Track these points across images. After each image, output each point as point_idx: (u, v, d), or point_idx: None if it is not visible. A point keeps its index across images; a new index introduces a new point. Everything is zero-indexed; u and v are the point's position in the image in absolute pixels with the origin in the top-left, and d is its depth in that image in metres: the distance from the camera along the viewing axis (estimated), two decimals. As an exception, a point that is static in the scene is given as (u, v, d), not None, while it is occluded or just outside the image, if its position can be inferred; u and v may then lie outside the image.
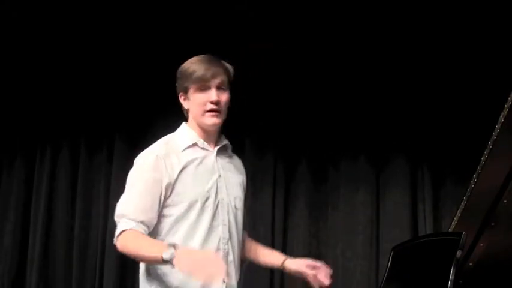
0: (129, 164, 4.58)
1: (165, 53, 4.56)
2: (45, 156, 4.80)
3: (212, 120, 2.43)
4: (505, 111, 2.37)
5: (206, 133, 2.47)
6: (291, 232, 4.47)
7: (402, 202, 4.33)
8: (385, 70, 4.39)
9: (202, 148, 2.45)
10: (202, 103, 2.41)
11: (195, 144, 2.44)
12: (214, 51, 4.40)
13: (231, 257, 2.43)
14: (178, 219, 2.36)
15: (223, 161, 2.50)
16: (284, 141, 4.52)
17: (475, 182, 2.58)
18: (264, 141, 4.49)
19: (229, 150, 2.59)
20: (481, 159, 2.52)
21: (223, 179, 2.45)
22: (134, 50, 4.64)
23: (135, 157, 4.66)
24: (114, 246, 2.33)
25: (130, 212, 2.32)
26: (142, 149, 4.66)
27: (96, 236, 4.65)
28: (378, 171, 4.41)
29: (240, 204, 2.51)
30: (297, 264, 2.59)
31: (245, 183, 2.63)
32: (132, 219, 2.30)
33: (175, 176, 2.35)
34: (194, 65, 2.43)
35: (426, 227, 4.24)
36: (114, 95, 4.73)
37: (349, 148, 4.43)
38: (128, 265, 4.61)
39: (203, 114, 2.42)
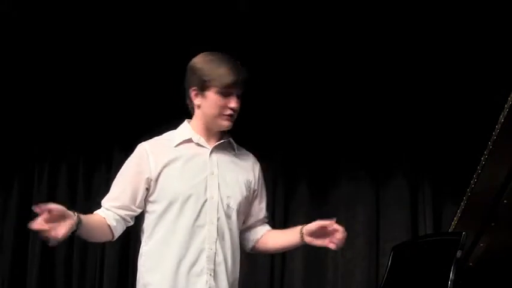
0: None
1: (165, 65, 4.56)
2: (45, 157, 4.80)
3: (227, 123, 2.41)
4: (505, 111, 2.37)
5: (209, 131, 2.43)
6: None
7: (402, 202, 4.33)
8: (383, 85, 4.38)
9: (197, 144, 2.41)
10: (222, 106, 2.37)
11: (189, 140, 2.41)
12: (215, 51, 4.45)
13: (220, 258, 2.36)
14: (161, 216, 2.36)
15: (223, 159, 2.44)
16: (283, 156, 4.51)
17: (475, 182, 2.58)
18: (264, 136, 4.48)
19: (234, 147, 2.53)
20: (481, 159, 2.53)
21: (216, 177, 2.39)
22: (133, 61, 4.62)
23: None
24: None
25: (104, 200, 2.44)
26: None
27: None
28: (378, 170, 4.41)
29: (234, 203, 2.43)
30: (315, 224, 2.45)
31: (253, 179, 2.53)
32: (112, 202, 2.42)
33: (158, 171, 2.34)
34: (223, 67, 2.36)
35: (426, 227, 4.24)
36: (114, 101, 4.71)
37: (350, 147, 4.43)
38: (128, 265, 4.61)
39: (219, 117, 2.39)
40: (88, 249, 4.66)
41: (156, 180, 2.34)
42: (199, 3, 4.32)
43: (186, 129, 2.45)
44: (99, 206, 4.55)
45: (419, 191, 4.34)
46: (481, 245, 2.70)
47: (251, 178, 2.53)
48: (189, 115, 4.62)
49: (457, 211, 2.74)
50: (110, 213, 2.40)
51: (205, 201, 2.35)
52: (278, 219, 4.42)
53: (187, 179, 2.35)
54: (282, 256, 4.43)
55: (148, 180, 2.35)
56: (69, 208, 2.27)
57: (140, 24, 4.48)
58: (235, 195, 2.44)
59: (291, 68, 4.44)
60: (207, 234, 2.33)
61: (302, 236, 2.45)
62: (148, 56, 4.60)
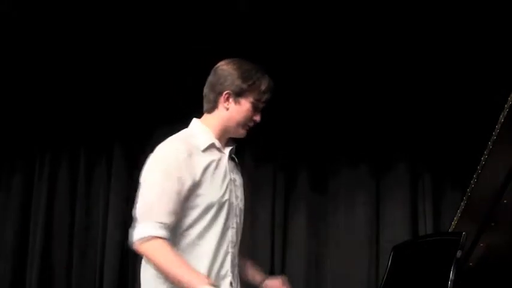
0: (128, 166, 4.66)
1: (165, 63, 4.57)
2: (45, 158, 4.80)
3: (244, 134, 2.43)
4: (505, 111, 2.38)
5: (224, 135, 2.42)
6: (291, 232, 4.47)
7: (402, 202, 4.33)
8: (384, 78, 4.39)
9: (218, 149, 2.40)
10: (249, 118, 2.39)
11: (212, 145, 2.38)
12: (215, 52, 4.45)
13: (236, 260, 2.40)
14: (195, 221, 2.30)
15: (230, 164, 2.46)
16: (284, 148, 4.52)
17: (475, 182, 2.58)
18: (264, 150, 4.49)
19: (233, 152, 2.54)
20: (481, 159, 2.53)
21: (232, 182, 2.41)
22: (134, 57, 4.62)
23: (134, 156, 4.72)
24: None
25: (157, 214, 2.22)
26: (140, 154, 4.72)
27: (96, 236, 4.65)
28: (378, 170, 4.41)
29: (242, 206, 2.48)
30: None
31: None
32: (160, 223, 2.21)
33: (198, 177, 2.28)
34: (267, 83, 2.40)
35: (426, 227, 4.25)
36: (114, 101, 4.72)
37: (349, 148, 4.44)
38: (128, 265, 4.61)
39: (243, 126, 2.40)
40: (88, 249, 4.66)
41: (196, 185, 2.29)
42: (199, 3, 4.32)
43: (207, 132, 2.39)
44: (98, 201, 4.62)
45: (419, 179, 4.34)
46: (481, 245, 2.71)
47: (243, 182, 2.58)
48: (186, 112, 4.65)
49: (457, 211, 2.74)
50: (170, 237, 2.27)
51: (230, 206, 2.37)
52: (278, 209, 4.43)
53: (219, 185, 2.34)
54: (282, 256, 4.44)
55: (190, 187, 2.27)
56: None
57: (141, 23, 4.48)
58: (243, 199, 2.48)
59: (291, 64, 4.44)
60: (230, 238, 2.36)
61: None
62: (149, 54, 4.61)
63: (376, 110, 4.42)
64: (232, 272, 2.36)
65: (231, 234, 2.36)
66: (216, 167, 2.35)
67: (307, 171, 4.49)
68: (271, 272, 4.37)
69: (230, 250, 2.35)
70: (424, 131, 4.34)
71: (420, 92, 4.34)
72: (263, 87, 2.38)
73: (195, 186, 2.27)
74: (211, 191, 2.31)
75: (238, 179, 2.48)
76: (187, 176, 2.25)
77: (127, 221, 4.67)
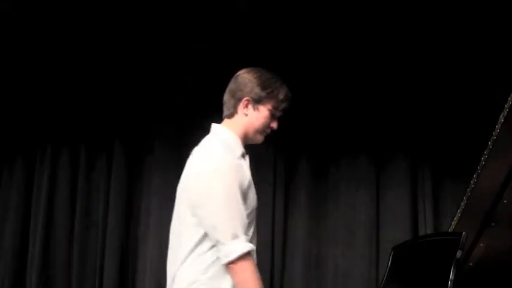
0: (128, 165, 4.66)
1: (165, 62, 4.57)
2: (45, 156, 4.80)
3: (262, 140, 2.51)
4: (505, 111, 2.38)
5: (244, 141, 2.48)
6: (291, 232, 4.47)
7: (402, 202, 4.33)
8: (386, 70, 4.39)
9: (243, 156, 2.46)
10: (267, 125, 2.46)
11: (243, 153, 2.45)
12: (215, 52, 4.46)
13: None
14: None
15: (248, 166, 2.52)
16: (284, 141, 4.52)
17: (475, 182, 2.58)
18: (264, 140, 4.47)
19: None
20: (481, 159, 2.53)
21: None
22: (135, 53, 4.63)
23: (135, 156, 4.72)
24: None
25: (244, 229, 2.26)
26: (140, 149, 4.71)
27: (96, 236, 4.65)
28: (378, 171, 4.41)
29: None
30: None
31: None
32: (246, 237, 2.26)
33: (247, 185, 2.34)
34: (284, 91, 2.47)
35: (426, 227, 4.25)
36: (114, 98, 4.72)
37: (349, 148, 4.44)
38: (128, 265, 4.61)
39: (261, 133, 2.47)
40: (88, 249, 4.66)
41: (245, 195, 2.33)
42: (199, 3, 4.33)
43: (237, 140, 2.45)
44: (98, 201, 4.62)
45: (419, 179, 4.35)
46: (481, 245, 2.70)
47: None
48: (186, 111, 4.64)
49: (457, 211, 2.74)
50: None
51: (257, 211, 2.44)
52: (278, 209, 4.43)
53: (253, 191, 2.41)
54: (282, 256, 4.44)
55: (243, 196, 2.32)
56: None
57: (141, 22, 4.48)
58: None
59: (292, 60, 4.45)
60: (254, 240, 2.39)
61: None
62: (149, 54, 4.61)
63: (377, 110, 4.42)
64: None
65: (256, 236, 2.40)
66: (249, 174, 2.41)
67: (307, 168, 4.49)
68: (271, 272, 4.38)
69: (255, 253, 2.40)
70: (424, 131, 4.34)
71: (421, 92, 4.35)
72: (281, 96, 2.45)
73: (246, 194, 2.33)
74: (253, 197, 2.38)
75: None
76: (243, 186, 2.31)
77: (127, 221, 4.72)
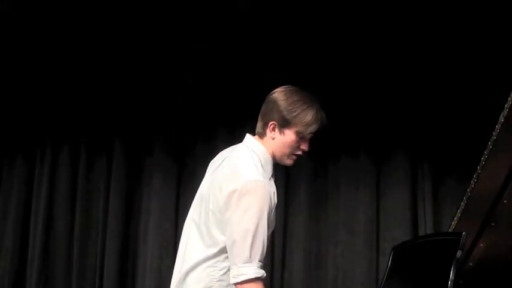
0: (128, 165, 4.66)
1: (165, 62, 4.57)
2: (45, 156, 4.80)
3: (291, 163, 2.50)
4: (505, 111, 2.37)
5: (273, 161, 2.48)
6: (290, 232, 4.47)
7: (402, 202, 4.33)
8: (386, 69, 4.39)
9: (270, 179, 2.46)
10: (296, 148, 2.45)
11: (272, 175, 2.47)
12: (215, 52, 4.46)
13: None
14: None
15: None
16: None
17: (475, 182, 2.58)
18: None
19: None
20: (481, 159, 2.53)
21: None
22: (135, 53, 4.64)
23: (135, 156, 4.71)
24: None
25: (262, 255, 2.29)
26: (140, 150, 4.71)
27: (96, 235, 4.65)
28: (378, 171, 4.41)
29: None
30: None
31: None
32: (262, 263, 2.29)
33: (274, 208, 2.38)
34: (310, 113, 2.42)
35: (426, 227, 4.25)
36: (115, 98, 4.72)
37: (349, 147, 4.44)
38: (128, 265, 4.61)
39: (289, 156, 2.46)
40: (88, 249, 4.66)
41: (272, 217, 2.39)
42: (199, 3, 4.33)
43: (269, 160, 2.45)
44: (98, 200, 4.62)
45: (419, 179, 4.35)
46: (481, 245, 2.70)
47: None
48: (186, 111, 4.63)
49: (457, 211, 2.74)
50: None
51: None
52: (279, 199, 4.42)
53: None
54: (282, 256, 4.44)
55: (270, 221, 2.36)
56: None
57: (141, 22, 4.49)
58: None
59: (291, 63, 4.45)
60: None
61: None
62: (150, 54, 4.62)
63: (377, 109, 4.41)
64: None
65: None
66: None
67: (307, 168, 4.48)
68: (271, 272, 4.38)
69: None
70: (425, 130, 4.34)
71: (421, 92, 4.34)
72: (308, 119, 2.42)
73: (272, 217, 2.37)
74: (275, 219, 2.43)
75: None
76: (271, 211, 2.35)
77: (127, 221, 4.72)
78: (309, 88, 4.41)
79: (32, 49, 4.72)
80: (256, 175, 2.32)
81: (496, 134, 2.43)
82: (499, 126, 2.40)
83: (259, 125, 2.47)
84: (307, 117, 2.41)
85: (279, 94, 2.46)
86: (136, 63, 4.66)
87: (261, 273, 2.26)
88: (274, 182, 2.46)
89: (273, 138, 2.43)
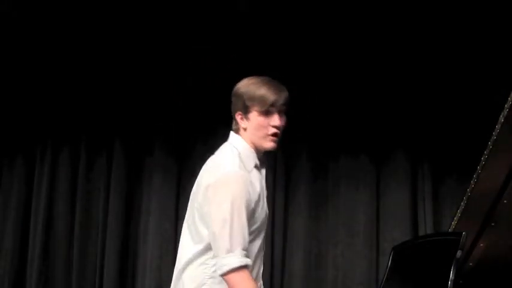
0: (128, 165, 4.67)
1: (165, 62, 4.57)
2: (45, 156, 4.80)
3: (271, 145, 2.47)
4: (505, 111, 2.38)
5: (258, 153, 2.50)
6: (290, 232, 4.47)
7: (402, 202, 4.33)
8: (386, 69, 4.39)
9: (258, 169, 2.48)
10: (265, 126, 2.44)
11: (256, 165, 2.47)
12: (215, 52, 4.46)
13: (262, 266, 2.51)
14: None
15: (264, 178, 2.54)
16: (284, 140, 4.51)
17: (475, 182, 2.58)
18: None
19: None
20: (481, 159, 2.53)
21: (266, 196, 2.51)
22: (135, 53, 4.64)
23: (135, 157, 4.72)
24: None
25: (243, 244, 2.30)
26: (140, 149, 4.71)
27: (96, 235, 4.65)
28: (378, 170, 4.41)
29: None
30: None
31: None
32: (245, 251, 2.30)
33: (256, 199, 2.38)
34: (262, 89, 2.43)
35: (426, 227, 4.25)
36: (115, 98, 4.73)
37: (349, 147, 4.44)
38: (128, 265, 4.61)
39: (264, 137, 2.46)
40: (88, 249, 4.66)
41: (255, 208, 2.39)
42: (199, 3, 4.33)
43: (251, 152, 2.47)
44: (98, 200, 4.62)
45: (419, 179, 4.35)
46: (481, 245, 2.70)
47: None
48: (185, 111, 4.63)
49: (457, 211, 2.74)
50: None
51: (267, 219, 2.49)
52: (278, 209, 4.43)
53: (265, 202, 2.45)
54: (282, 256, 4.44)
55: (252, 209, 2.37)
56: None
57: (141, 22, 4.49)
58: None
59: (291, 63, 4.45)
60: (263, 246, 2.47)
61: None
62: (150, 54, 4.62)
63: (377, 109, 4.42)
64: (261, 277, 2.48)
65: (264, 243, 2.47)
66: (262, 187, 2.45)
67: (307, 168, 4.49)
68: (271, 272, 4.38)
69: (262, 259, 2.47)
70: (425, 130, 4.34)
71: (421, 91, 4.34)
72: (261, 93, 2.42)
73: (255, 207, 2.37)
74: (262, 210, 2.42)
75: (265, 191, 2.56)
76: (251, 200, 2.35)
77: (127, 221, 4.73)
78: (309, 88, 4.46)
79: (32, 49, 4.72)
80: (231, 167, 2.35)
81: (496, 134, 2.43)
82: (499, 126, 2.40)
83: (233, 122, 2.50)
84: (261, 91, 2.42)
85: (238, 85, 2.50)
86: (136, 63, 4.66)
87: (245, 261, 2.27)
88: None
89: (245, 128, 2.46)
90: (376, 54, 4.38)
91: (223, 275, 2.27)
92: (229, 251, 2.26)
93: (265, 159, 2.54)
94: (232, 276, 2.26)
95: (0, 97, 4.86)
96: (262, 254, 2.46)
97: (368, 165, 4.40)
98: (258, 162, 2.46)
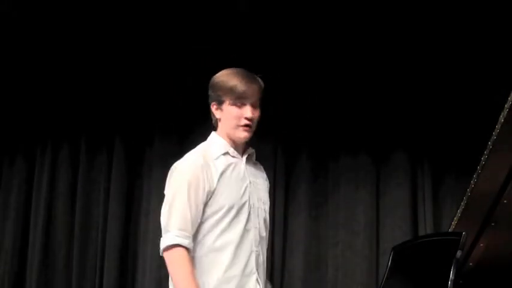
0: (128, 164, 4.67)
1: (165, 62, 4.57)
2: (45, 156, 4.80)
3: (244, 134, 2.53)
4: (505, 111, 2.38)
5: (235, 143, 2.57)
6: (290, 232, 4.47)
7: (402, 202, 4.33)
8: (386, 69, 4.39)
9: (233, 156, 2.54)
10: (237, 117, 2.52)
11: (226, 153, 2.54)
12: (215, 52, 4.46)
13: (261, 259, 2.54)
14: (216, 223, 2.45)
15: (251, 169, 2.61)
16: (284, 140, 4.52)
17: (475, 182, 2.58)
18: (264, 136, 4.47)
19: (254, 158, 2.68)
20: (481, 159, 2.53)
21: (253, 185, 2.55)
22: (135, 53, 4.64)
23: (134, 156, 4.72)
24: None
25: (180, 224, 2.40)
26: (141, 149, 4.72)
27: (96, 236, 4.65)
28: (378, 170, 4.41)
29: (267, 208, 2.63)
30: None
31: (268, 188, 2.74)
32: (183, 231, 2.39)
33: (215, 183, 2.44)
34: (233, 80, 2.52)
35: (426, 227, 4.25)
36: (115, 95, 4.73)
37: (349, 147, 4.44)
38: (128, 265, 4.61)
39: (236, 128, 2.53)
40: (88, 249, 4.66)
41: (214, 191, 2.45)
42: (200, 3, 4.33)
43: (219, 141, 2.56)
44: (98, 200, 4.61)
45: (419, 179, 4.35)
46: (481, 245, 2.70)
47: (268, 186, 2.74)
48: (185, 111, 4.64)
49: (457, 211, 2.74)
50: (190, 243, 2.42)
51: (251, 207, 2.51)
52: (278, 209, 4.43)
53: (237, 188, 2.50)
54: (282, 256, 4.44)
55: (208, 193, 2.44)
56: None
57: (141, 22, 4.49)
58: (266, 201, 2.64)
59: (291, 63, 4.44)
60: (253, 237, 2.50)
61: None
62: (150, 53, 4.62)
63: (378, 109, 4.42)
64: (257, 270, 2.50)
65: (253, 234, 2.50)
66: (233, 171, 2.50)
67: (307, 168, 4.49)
68: (271, 272, 4.37)
69: (254, 249, 2.49)
70: (425, 130, 4.34)
71: (421, 91, 4.34)
72: (231, 84, 2.51)
73: (214, 191, 2.43)
74: (230, 194, 2.46)
75: (262, 183, 2.64)
76: (205, 184, 2.42)
77: (127, 221, 4.72)
78: (309, 88, 4.46)
79: (32, 49, 4.72)
80: (184, 158, 2.51)
81: (496, 134, 2.43)
82: (499, 126, 2.41)
83: (211, 114, 2.61)
84: (229, 83, 2.51)
85: (214, 76, 2.61)
86: (136, 63, 4.66)
87: (178, 240, 2.37)
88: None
89: (219, 119, 2.57)
90: (376, 54, 4.38)
91: (162, 254, 2.42)
92: (167, 230, 2.41)
93: (248, 147, 2.61)
94: (166, 255, 2.42)
95: (0, 97, 4.86)
96: (251, 245, 2.48)
97: (368, 165, 4.40)
98: (230, 150, 2.53)
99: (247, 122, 2.51)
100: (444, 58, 4.27)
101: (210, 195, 2.43)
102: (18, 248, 4.75)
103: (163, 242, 2.42)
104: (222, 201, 2.44)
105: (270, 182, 4.37)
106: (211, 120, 2.65)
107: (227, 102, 2.51)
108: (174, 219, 2.41)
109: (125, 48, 4.64)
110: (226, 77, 2.54)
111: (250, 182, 2.53)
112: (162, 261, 4.46)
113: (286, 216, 4.48)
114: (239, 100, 2.50)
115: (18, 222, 4.77)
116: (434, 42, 4.26)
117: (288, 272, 4.45)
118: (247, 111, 2.51)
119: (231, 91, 2.50)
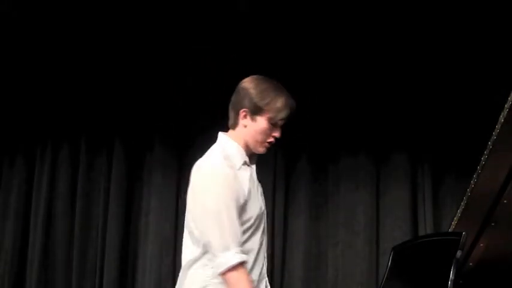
0: (128, 165, 4.67)
1: (165, 62, 4.57)
2: (45, 156, 4.80)
3: (263, 150, 2.51)
4: (505, 111, 2.38)
5: (247, 150, 2.51)
6: (290, 232, 4.47)
7: (402, 202, 4.33)
8: (386, 69, 4.39)
9: (248, 165, 2.50)
10: (267, 134, 2.47)
11: (245, 162, 2.49)
12: (215, 52, 4.46)
13: (266, 263, 2.53)
14: (242, 233, 2.38)
15: (253, 175, 2.56)
16: (284, 140, 4.51)
17: (475, 182, 2.58)
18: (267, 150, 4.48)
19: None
20: (481, 159, 2.53)
21: (260, 192, 2.54)
22: (135, 53, 4.63)
23: (134, 156, 4.72)
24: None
25: (236, 241, 2.31)
26: (140, 149, 4.71)
27: (96, 236, 4.65)
28: (378, 170, 4.41)
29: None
30: None
31: None
32: (239, 249, 2.30)
33: (246, 194, 2.39)
34: (284, 100, 2.46)
35: (426, 227, 4.25)
36: (115, 95, 4.73)
37: (349, 147, 4.44)
38: (128, 265, 4.61)
39: (262, 143, 2.48)
40: (88, 249, 4.66)
41: (246, 202, 2.39)
42: (200, 3, 4.33)
43: (239, 150, 2.48)
44: (98, 200, 4.61)
45: (419, 179, 4.35)
46: (481, 245, 2.71)
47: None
48: (185, 111, 4.63)
49: (457, 211, 2.74)
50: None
51: (264, 214, 2.50)
52: (278, 209, 4.43)
53: (257, 198, 2.47)
54: (282, 256, 4.44)
55: (242, 205, 2.38)
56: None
57: (141, 22, 4.49)
58: (265, 207, 2.59)
59: (291, 63, 4.44)
60: (265, 243, 2.49)
61: None
62: (150, 53, 4.62)
63: (378, 109, 4.42)
64: (266, 273, 2.51)
65: (265, 240, 2.49)
66: (253, 182, 2.47)
67: (307, 168, 4.49)
68: (270, 272, 4.37)
69: (265, 254, 2.49)
70: (425, 130, 4.34)
71: (421, 91, 4.35)
72: (279, 105, 2.44)
73: (245, 203, 2.38)
74: (255, 206, 2.43)
75: (261, 190, 2.59)
76: (240, 196, 2.36)
77: (127, 221, 4.72)
78: (309, 88, 4.46)
79: (31, 49, 4.71)
80: (213, 166, 2.37)
81: (496, 134, 2.43)
82: (499, 126, 2.41)
83: (231, 115, 2.50)
84: (278, 103, 2.44)
85: (248, 83, 2.49)
86: (136, 63, 4.66)
87: (240, 258, 2.27)
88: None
89: (245, 126, 2.47)
90: (376, 55, 4.38)
91: (221, 274, 2.28)
92: (226, 248, 2.28)
93: (255, 155, 2.55)
94: (231, 274, 2.27)
95: (0, 97, 4.86)
96: (264, 251, 2.47)
97: (368, 165, 4.41)
98: (247, 160, 2.48)
99: (273, 140, 2.49)
100: (444, 58, 4.27)
101: (243, 207, 2.37)
102: (18, 248, 4.75)
103: (227, 262, 2.26)
104: (250, 213, 2.39)
105: (270, 182, 4.47)
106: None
107: (265, 116, 2.44)
108: (229, 235, 2.29)
109: (125, 47, 4.64)
110: (275, 92, 2.46)
111: (259, 190, 2.52)
112: (162, 261, 4.52)
113: (287, 217, 4.49)
114: (280, 121, 2.46)
115: (18, 222, 4.77)
116: (434, 43, 4.26)
117: (288, 272, 4.45)
118: (279, 133, 2.48)
119: (277, 110, 2.44)
